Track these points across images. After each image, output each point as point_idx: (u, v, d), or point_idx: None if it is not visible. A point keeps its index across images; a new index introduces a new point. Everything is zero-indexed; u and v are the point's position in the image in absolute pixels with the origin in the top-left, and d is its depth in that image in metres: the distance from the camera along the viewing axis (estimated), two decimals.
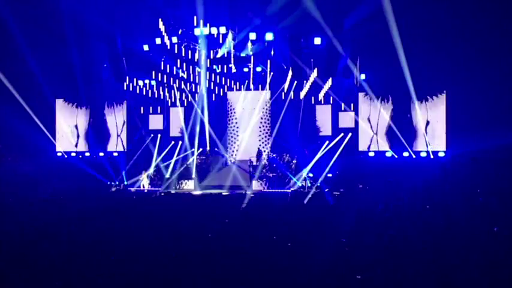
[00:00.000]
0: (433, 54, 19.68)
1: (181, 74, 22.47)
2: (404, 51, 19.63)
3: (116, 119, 23.86)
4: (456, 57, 19.20)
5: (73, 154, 23.77)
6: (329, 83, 21.65)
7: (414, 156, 20.99)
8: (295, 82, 21.78)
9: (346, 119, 22.03)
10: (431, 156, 20.76)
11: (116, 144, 23.95)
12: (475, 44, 19.06)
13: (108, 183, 21.86)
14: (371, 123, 21.59)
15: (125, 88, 22.95)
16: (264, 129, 23.34)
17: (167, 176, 21.95)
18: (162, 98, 23.63)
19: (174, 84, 23.10)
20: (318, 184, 20.73)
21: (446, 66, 19.60)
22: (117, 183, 21.88)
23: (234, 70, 22.02)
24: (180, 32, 20.85)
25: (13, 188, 18.80)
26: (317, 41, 20.51)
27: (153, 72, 22.57)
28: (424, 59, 19.84)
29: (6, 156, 22.00)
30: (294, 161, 21.91)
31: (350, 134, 21.70)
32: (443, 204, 13.86)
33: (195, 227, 12.27)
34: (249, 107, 23.25)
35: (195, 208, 15.86)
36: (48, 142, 23.52)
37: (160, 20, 20.71)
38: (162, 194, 19.96)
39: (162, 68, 22.34)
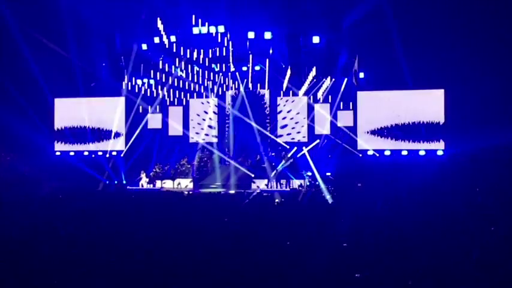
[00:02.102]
0: (431, 51, 19.64)
1: (179, 73, 22.46)
2: (402, 48, 19.61)
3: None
4: (455, 54, 19.14)
5: (72, 153, 23.70)
6: (328, 81, 21.65)
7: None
8: None
9: (345, 118, 21.96)
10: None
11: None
12: (475, 41, 19.01)
13: (107, 182, 21.84)
14: (370, 121, 21.56)
15: (124, 87, 22.91)
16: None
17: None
18: (160, 97, 23.52)
19: (173, 83, 23.11)
20: (317, 183, 20.72)
21: (444, 63, 19.54)
22: (107, 182, 21.84)
23: (232, 69, 22.04)
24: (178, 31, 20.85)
25: (11, 187, 18.73)
26: (315, 39, 20.52)
27: (152, 71, 22.57)
28: (422, 56, 19.80)
29: (4, 155, 21.93)
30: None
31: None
32: (442, 204, 13.84)
33: (196, 226, 12.28)
34: None
35: (196, 207, 15.85)
36: (46, 142, 23.43)
37: (158, 19, 20.69)
38: None
39: (161, 67, 22.34)
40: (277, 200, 17.88)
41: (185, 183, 22.13)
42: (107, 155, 23.45)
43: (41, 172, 21.25)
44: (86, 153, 23.70)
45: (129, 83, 22.91)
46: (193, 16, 20.39)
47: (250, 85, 22.59)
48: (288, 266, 8.51)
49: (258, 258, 8.92)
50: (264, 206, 16.14)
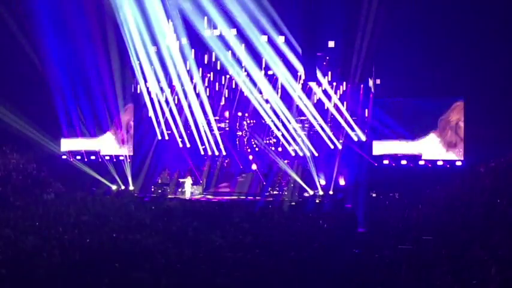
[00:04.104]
0: (451, 59, 19.09)
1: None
2: (421, 55, 19.14)
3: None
4: (475, 62, 18.60)
5: (78, 157, 23.40)
6: (343, 87, 21.14)
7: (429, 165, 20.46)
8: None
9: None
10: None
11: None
12: (494, 49, 18.45)
13: (115, 187, 21.59)
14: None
15: (133, 91, 22.68)
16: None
17: None
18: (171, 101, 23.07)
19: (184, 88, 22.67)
20: (331, 192, 20.43)
21: (464, 71, 18.99)
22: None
23: (244, 73, 21.67)
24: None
25: (20, 190, 18.64)
26: (331, 44, 20.11)
27: (163, 75, 22.28)
28: (441, 64, 19.26)
29: (13, 158, 21.69)
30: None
31: None
32: (461, 215, 13.40)
33: (203, 233, 12.01)
34: None
35: (202, 214, 15.59)
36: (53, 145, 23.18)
37: (170, 21, 20.42)
38: None
39: (173, 71, 22.03)
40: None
41: (193, 189, 21.96)
42: (114, 160, 23.17)
43: (48, 175, 21.06)
44: (92, 157, 23.43)
45: (138, 87, 22.60)
46: (205, 18, 20.10)
47: (263, 90, 22.12)
48: (299, 275, 8.36)
49: (270, 267, 8.70)
50: (277, 215, 15.99)
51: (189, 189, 21.83)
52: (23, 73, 21.35)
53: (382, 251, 9.92)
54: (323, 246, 10.44)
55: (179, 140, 22.79)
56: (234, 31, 20.20)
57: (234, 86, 22.35)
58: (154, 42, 21.32)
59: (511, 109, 18.57)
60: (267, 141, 22.78)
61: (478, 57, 18.59)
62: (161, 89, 22.71)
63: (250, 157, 22.55)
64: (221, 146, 22.86)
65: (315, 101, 21.63)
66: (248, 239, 11.18)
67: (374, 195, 19.74)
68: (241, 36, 20.31)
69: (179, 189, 21.98)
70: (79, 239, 11.22)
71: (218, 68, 21.70)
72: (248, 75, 21.78)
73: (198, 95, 22.54)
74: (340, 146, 21.25)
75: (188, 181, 21.90)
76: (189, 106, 22.77)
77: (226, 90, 22.43)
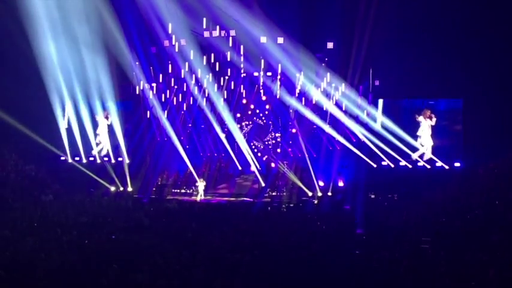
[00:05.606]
0: (450, 62, 19.06)
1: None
2: (420, 57, 19.11)
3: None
4: (474, 64, 18.58)
5: (77, 158, 23.28)
6: (342, 88, 21.08)
7: (429, 167, 20.38)
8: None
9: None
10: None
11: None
12: (493, 51, 18.43)
13: (113, 189, 21.51)
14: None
15: (131, 91, 22.59)
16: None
17: None
18: (168, 101, 23.01)
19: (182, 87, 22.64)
20: (329, 193, 20.38)
21: (463, 72, 18.96)
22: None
23: (243, 75, 21.63)
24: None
25: (18, 191, 18.56)
26: (330, 45, 20.08)
27: (161, 76, 22.22)
28: (440, 66, 19.24)
29: (12, 159, 21.61)
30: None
31: None
32: (459, 216, 13.38)
33: (201, 234, 12.00)
34: None
35: (201, 215, 15.57)
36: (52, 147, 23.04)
37: (169, 22, 20.38)
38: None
39: (170, 71, 21.99)
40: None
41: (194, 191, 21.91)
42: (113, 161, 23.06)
43: (47, 177, 20.97)
44: (91, 158, 23.32)
45: (137, 87, 22.53)
46: (204, 19, 20.06)
47: (261, 91, 22.09)
48: (301, 273, 8.40)
49: (270, 267, 8.76)
50: (275, 216, 15.99)
51: (202, 191, 21.61)
52: (22, 74, 21.23)
53: (381, 252, 9.89)
54: (321, 247, 10.42)
55: (178, 141, 22.68)
56: (233, 32, 20.20)
57: (232, 87, 22.29)
58: (154, 43, 21.34)
59: (509, 111, 18.55)
60: (266, 143, 22.76)
61: (477, 59, 18.57)
62: (160, 90, 22.71)
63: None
64: (220, 147, 22.87)
65: (314, 102, 21.59)
66: (247, 240, 11.17)
67: (373, 196, 19.68)
68: (241, 37, 20.30)
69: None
70: (77, 240, 11.23)
71: (217, 69, 21.67)
72: (247, 76, 21.79)
73: (196, 96, 22.55)
74: (338, 147, 21.23)
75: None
76: (188, 107, 22.78)
77: (225, 91, 22.37)
